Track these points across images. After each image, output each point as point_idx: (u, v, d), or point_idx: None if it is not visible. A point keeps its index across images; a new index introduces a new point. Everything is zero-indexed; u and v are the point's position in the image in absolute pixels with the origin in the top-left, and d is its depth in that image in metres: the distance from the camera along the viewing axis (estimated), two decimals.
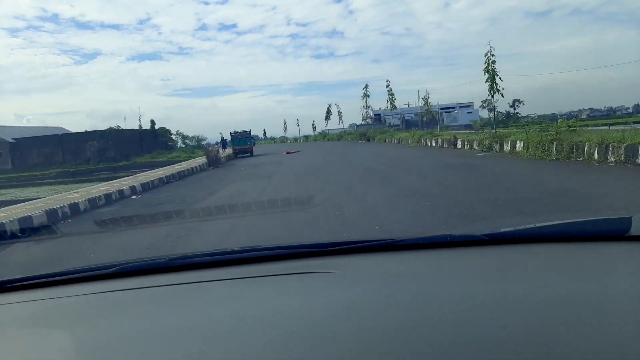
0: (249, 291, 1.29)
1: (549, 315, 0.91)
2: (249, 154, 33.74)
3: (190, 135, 70.55)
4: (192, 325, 1.06)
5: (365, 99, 57.87)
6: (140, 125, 59.63)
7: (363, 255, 1.49)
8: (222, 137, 42.51)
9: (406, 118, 78.53)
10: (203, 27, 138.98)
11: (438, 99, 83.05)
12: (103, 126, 57.09)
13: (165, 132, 62.05)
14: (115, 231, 7.58)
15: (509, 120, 47.08)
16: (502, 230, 1.49)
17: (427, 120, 68.50)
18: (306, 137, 76.80)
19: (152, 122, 61.69)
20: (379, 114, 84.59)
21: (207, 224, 7.22)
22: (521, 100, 74.97)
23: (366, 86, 58.34)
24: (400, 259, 1.45)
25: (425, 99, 57.19)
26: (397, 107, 77.38)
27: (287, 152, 32.39)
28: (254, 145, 36.88)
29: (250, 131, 35.37)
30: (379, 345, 0.86)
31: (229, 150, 35.46)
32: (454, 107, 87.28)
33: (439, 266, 1.38)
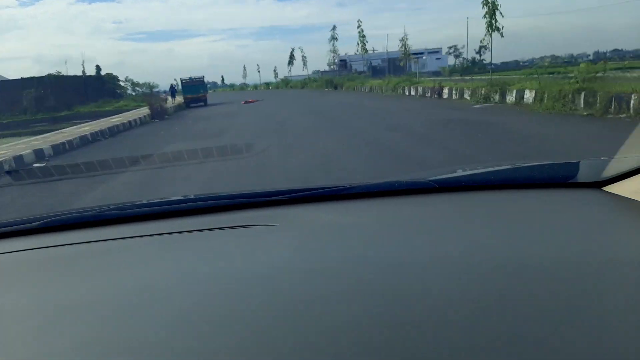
0: (181, 247, 1.21)
1: (494, 266, 0.90)
2: (202, 104, 30.09)
3: (141, 82, 65.40)
4: (116, 286, 0.99)
5: (332, 42, 53.27)
6: (84, 72, 54.01)
7: (306, 205, 1.40)
8: (172, 85, 38.30)
9: (373, 64, 75.12)
10: None
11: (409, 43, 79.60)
12: (53, 72, 51.98)
13: (112, 78, 56.73)
14: None
15: (475, 66, 44.65)
16: (448, 176, 1.52)
17: (397, 66, 65.60)
18: (267, 84, 71.24)
19: (98, 68, 56.17)
20: (345, 60, 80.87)
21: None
22: (486, 46, 73.06)
23: (334, 28, 53.28)
24: (345, 209, 1.38)
25: (403, 40, 53.35)
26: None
27: (245, 102, 28.60)
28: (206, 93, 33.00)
29: (203, 77, 31.40)
30: (322, 303, 0.81)
31: (180, 99, 31.57)
32: (422, 53, 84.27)
33: (386, 215, 1.34)
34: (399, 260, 0.96)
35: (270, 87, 67.56)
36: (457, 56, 70.49)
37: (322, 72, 72.33)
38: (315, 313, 0.78)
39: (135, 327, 0.80)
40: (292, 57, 67.70)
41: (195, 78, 30.77)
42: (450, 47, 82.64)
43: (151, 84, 67.59)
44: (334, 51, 50.96)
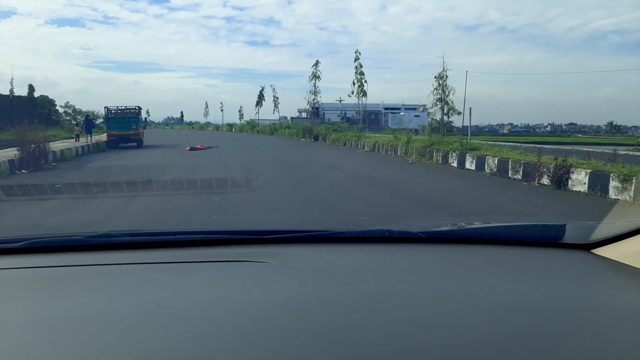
0: (175, 277, 1.19)
1: (484, 317, 0.92)
2: (134, 144, 22.24)
3: (82, 110, 57.08)
4: (108, 312, 0.97)
5: (314, 81, 41.81)
6: (11, 91, 45.23)
7: (300, 245, 1.43)
8: (87, 116, 30.23)
9: (347, 115, 69.39)
10: None
11: (375, 99, 74.98)
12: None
13: (47, 102, 48.45)
14: None
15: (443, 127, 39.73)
16: (441, 228, 1.56)
17: (373, 119, 59.98)
18: (230, 125, 63.62)
19: (31, 88, 47.75)
20: (318, 107, 75.23)
21: None
22: (455, 109, 69.76)
23: (317, 63, 39.87)
24: (338, 252, 1.41)
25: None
26: (330, 101, 68.29)
27: (192, 148, 20.76)
28: (143, 129, 24.91)
29: (138, 109, 23.35)
30: (313, 342, 0.83)
31: (100, 137, 23.67)
32: (398, 108, 79.48)
33: (377, 260, 1.36)
34: (390, 307, 0.98)
35: (233, 129, 59.65)
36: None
37: (292, 118, 66.07)
38: (305, 348, 0.80)
39: (116, 351, 0.79)
40: (261, 96, 58.32)
41: (127, 108, 22.88)
42: (421, 106, 79.13)
43: (92, 112, 59.54)
44: (315, 92, 40.22)
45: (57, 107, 51.02)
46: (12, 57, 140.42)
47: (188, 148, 20.84)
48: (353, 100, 31.45)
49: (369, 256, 1.38)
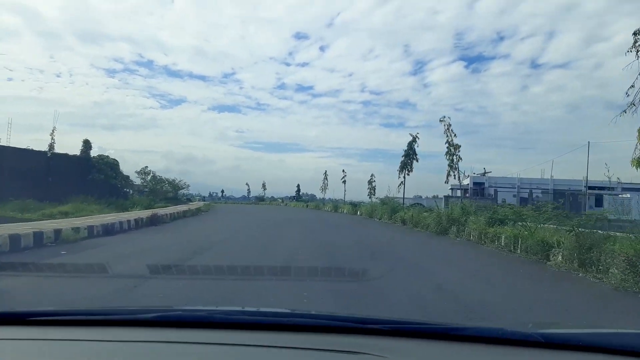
0: None
1: None
2: None
3: (163, 178, 44.57)
4: None
5: (451, 159, 23.34)
6: (51, 145, 33.61)
7: (414, 340, 1.38)
8: None
9: (522, 195, 47.02)
10: (281, 86, 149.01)
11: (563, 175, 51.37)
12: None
13: (106, 164, 36.06)
14: None
15: None
16: (562, 332, 1.47)
17: (573, 202, 37.55)
18: (353, 205, 44.68)
19: (86, 145, 35.79)
20: (482, 182, 54.00)
21: None
22: None
23: (446, 120, 22.07)
24: (456, 352, 1.36)
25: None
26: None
27: None
28: None
29: None
30: None
31: None
32: (611, 188, 53.62)
33: None
34: None
35: (358, 212, 39.13)
36: None
37: (446, 196, 46.01)
38: None
39: None
40: (410, 156, 34.94)
41: None
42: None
43: (178, 181, 46.59)
44: (456, 165, 22.72)
45: (121, 171, 38.96)
46: (180, 138, 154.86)
47: None
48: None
49: (486, 358, 1.32)
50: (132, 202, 35.41)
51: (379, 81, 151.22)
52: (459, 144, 24.50)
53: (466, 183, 55.25)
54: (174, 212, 23.24)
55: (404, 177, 30.41)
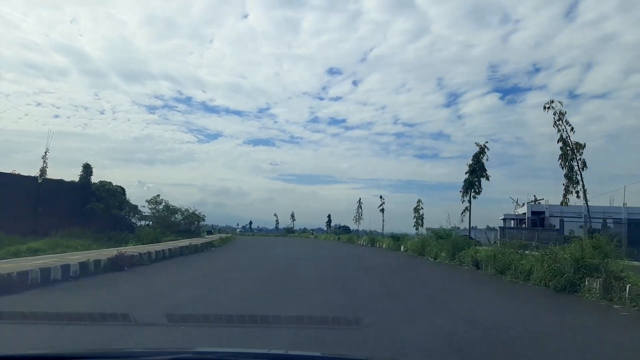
0: None
1: None
2: None
3: (176, 207, 39.18)
4: None
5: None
6: (43, 169, 28.70)
7: None
8: None
9: (607, 223, 39.69)
10: (315, 120, 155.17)
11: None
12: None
13: (108, 192, 30.99)
14: None
15: None
16: None
17: None
18: (396, 238, 37.20)
19: (86, 169, 30.85)
20: (542, 212, 46.82)
21: None
22: None
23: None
24: None
25: None
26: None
27: None
28: None
29: None
30: None
31: None
32: None
33: None
34: None
35: (402, 247, 32.60)
36: None
37: (501, 228, 39.31)
38: None
39: None
40: (473, 185, 28.31)
41: None
42: None
43: (191, 211, 41.18)
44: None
45: (127, 200, 33.91)
46: (215, 171, 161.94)
47: None
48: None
49: None
50: (136, 236, 30.21)
51: (411, 113, 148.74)
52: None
53: (521, 212, 48.14)
54: (165, 249, 17.67)
55: (469, 201, 23.91)
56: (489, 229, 45.85)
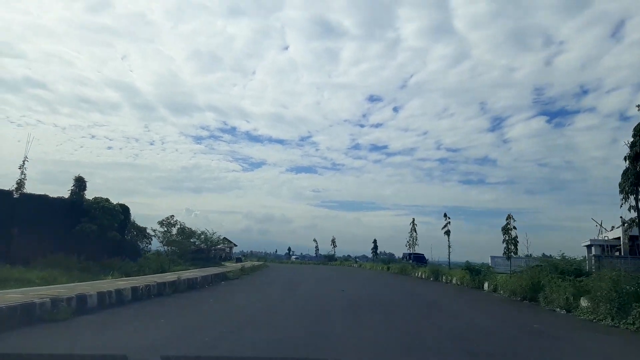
0: None
1: None
2: None
3: (192, 230, 32.73)
4: None
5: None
6: (21, 182, 22.82)
7: None
8: None
9: None
10: (356, 147, 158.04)
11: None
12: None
13: (103, 210, 25.04)
14: None
15: None
16: None
17: None
18: (474, 271, 27.61)
19: (79, 184, 25.07)
20: (637, 236, 37.90)
21: None
22: None
23: None
24: None
25: None
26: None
27: None
28: None
29: None
30: None
31: None
32: None
33: None
34: None
35: (486, 284, 24.91)
36: None
37: (596, 256, 31.10)
38: None
39: None
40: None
41: None
42: None
43: (211, 234, 34.82)
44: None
45: (133, 220, 28.02)
46: (260, 198, 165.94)
47: None
48: None
49: None
50: (138, 265, 24.18)
51: (455, 138, 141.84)
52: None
53: (611, 237, 39.34)
54: (138, 286, 11.28)
55: (638, 208, 15.68)
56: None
